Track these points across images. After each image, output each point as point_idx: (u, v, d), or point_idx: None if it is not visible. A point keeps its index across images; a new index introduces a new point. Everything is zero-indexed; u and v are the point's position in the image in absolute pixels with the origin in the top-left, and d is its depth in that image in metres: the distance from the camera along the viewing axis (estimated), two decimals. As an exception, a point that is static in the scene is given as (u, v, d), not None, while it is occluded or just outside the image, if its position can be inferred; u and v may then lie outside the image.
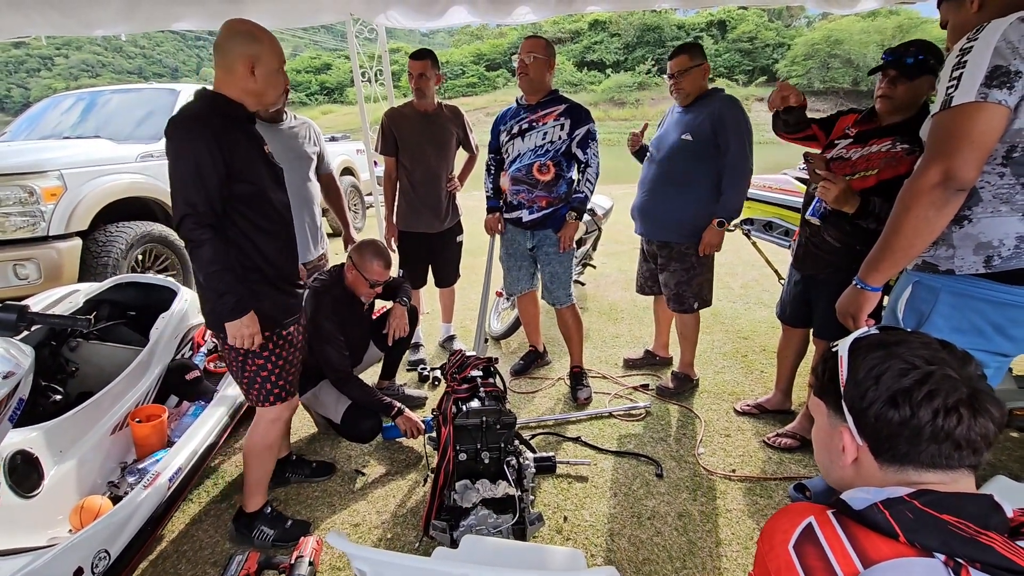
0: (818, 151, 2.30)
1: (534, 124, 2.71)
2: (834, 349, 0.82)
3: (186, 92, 4.79)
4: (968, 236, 1.30)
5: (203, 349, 2.70)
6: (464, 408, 1.85)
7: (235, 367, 1.83)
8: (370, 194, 8.18)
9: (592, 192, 2.77)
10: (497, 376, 2.14)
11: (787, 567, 0.67)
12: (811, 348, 2.59)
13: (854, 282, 1.45)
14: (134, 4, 3.06)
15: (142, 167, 4.10)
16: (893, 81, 1.97)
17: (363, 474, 2.42)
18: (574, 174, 2.79)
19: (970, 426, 0.68)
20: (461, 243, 3.43)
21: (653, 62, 42.72)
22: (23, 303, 1.57)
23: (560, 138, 2.68)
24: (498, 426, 1.84)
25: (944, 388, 0.69)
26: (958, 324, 1.34)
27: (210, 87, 1.70)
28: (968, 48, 1.20)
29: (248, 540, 2.00)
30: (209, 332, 2.55)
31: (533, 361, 3.35)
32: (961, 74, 1.19)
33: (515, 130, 2.77)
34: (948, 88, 1.22)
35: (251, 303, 1.69)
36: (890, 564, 0.62)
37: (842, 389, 0.77)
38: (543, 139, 2.70)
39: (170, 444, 2.15)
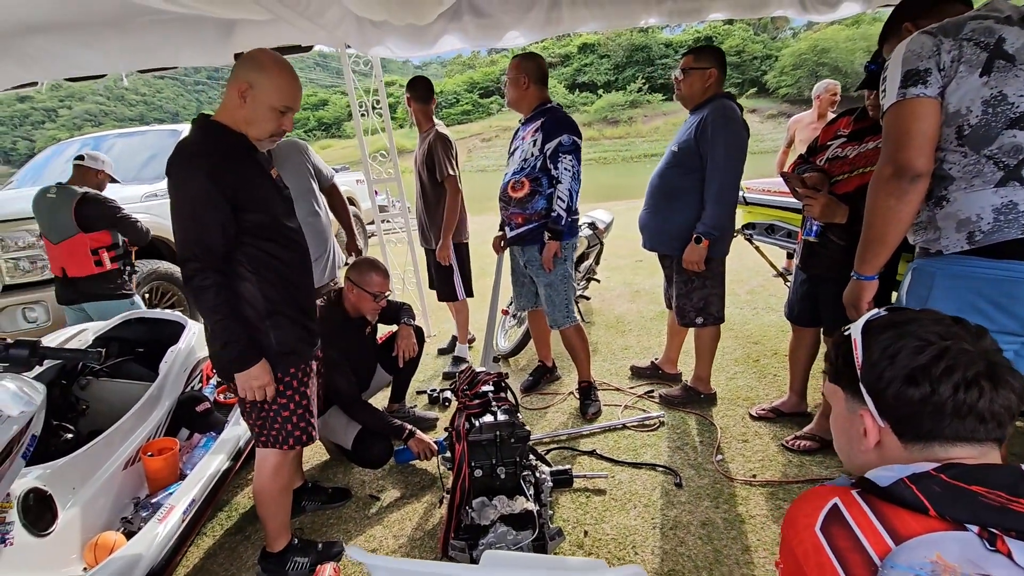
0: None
1: (521, 142, 2.71)
2: (846, 333, 0.82)
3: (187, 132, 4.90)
4: (949, 216, 1.37)
5: (212, 381, 2.70)
6: (477, 423, 1.84)
7: (249, 409, 1.71)
8: (371, 222, 8.27)
9: (566, 210, 2.60)
10: (508, 390, 2.13)
11: (815, 550, 0.66)
12: (823, 348, 2.57)
13: (852, 274, 1.56)
14: (131, 44, 3.17)
15: (147, 207, 4.16)
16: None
17: (378, 499, 2.39)
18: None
19: (992, 398, 0.68)
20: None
21: (643, 80, 43.40)
22: (35, 339, 1.58)
23: (533, 155, 2.62)
24: (512, 440, 1.82)
25: (962, 362, 0.69)
26: (957, 305, 1.36)
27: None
28: (887, 65, 1.40)
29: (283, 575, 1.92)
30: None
31: (542, 376, 3.33)
32: (886, 85, 1.39)
33: (511, 148, 2.80)
34: (881, 99, 1.42)
35: (258, 353, 1.58)
36: (922, 540, 0.61)
37: (858, 372, 0.76)
38: (520, 157, 2.67)
39: (182, 477, 2.13)
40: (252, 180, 1.60)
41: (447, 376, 3.54)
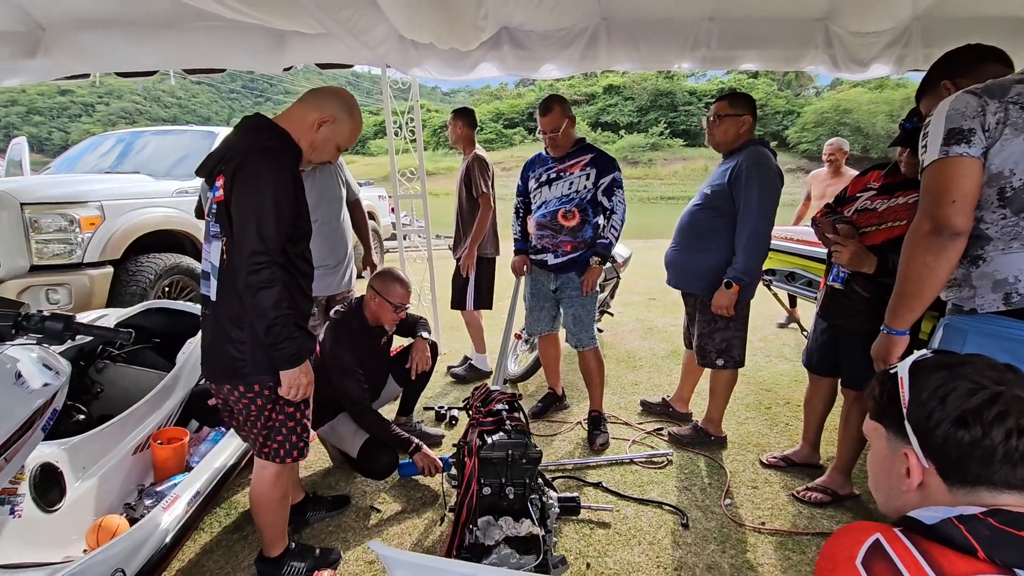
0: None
1: (561, 174, 2.81)
2: (892, 371, 0.82)
3: (223, 135, 5.03)
4: (985, 275, 1.37)
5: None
6: (490, 440, 1.83)
7: (255, 418, 1.67)
8: (389, 237, 8.36)
9: (617, 238, 2.81)
10: (521, 411, 2.11)
11: (857, 585, 0.65)
12: (839, 399, 2.54)
13: (882, 328, 1.55)
14: (184, 44, 3.30)
15: (177, 202, 4.24)
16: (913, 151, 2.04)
17: (378, 511, 2.36)
18: (600, 219, 2.83)
19: None
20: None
21: (666, 125, 44.09)
22: (70, 314, 1.60)
23: (586, 187, 2.76)
24: (524, 460, 1.80)
25: (1015, 408, 0.68)
26: None
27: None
28: (929, 121, 1.40)
29: None
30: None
31: (551, 404, 3.31)
32: (927, 142, 1.39)
33: (543, 178, 2.86)
34: (921, 155, 1.42)
35: (306, 350, 1.62)
36: (970, 580, 0.60)
37: (905, 410, 0.76)
38: (569, 188, 2.78)
39: (188, 469, 2.12)
40: (303, 190, 1.65)
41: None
